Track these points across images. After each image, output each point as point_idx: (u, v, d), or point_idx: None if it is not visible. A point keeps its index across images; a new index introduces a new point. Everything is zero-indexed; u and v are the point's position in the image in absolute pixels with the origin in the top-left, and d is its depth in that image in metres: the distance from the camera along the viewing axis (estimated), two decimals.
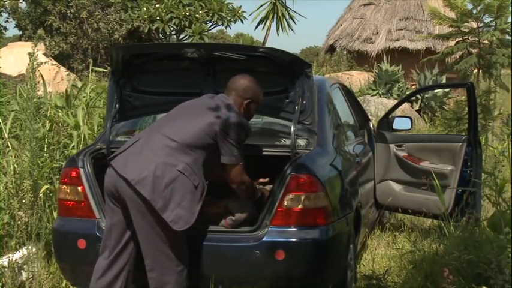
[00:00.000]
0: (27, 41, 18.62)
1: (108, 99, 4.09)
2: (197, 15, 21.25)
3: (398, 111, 8.46)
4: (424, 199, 5.24)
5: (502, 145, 8.34)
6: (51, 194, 4.98)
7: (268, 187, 3.86)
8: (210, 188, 3.57)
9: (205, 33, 21.55)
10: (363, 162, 4.99)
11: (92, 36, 20.68)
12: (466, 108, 6.32)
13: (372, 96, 15.26)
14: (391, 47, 21.73)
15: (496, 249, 3.40)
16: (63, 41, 20.46)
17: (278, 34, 23.29)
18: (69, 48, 20.50)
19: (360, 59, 22.32)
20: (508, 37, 8.98)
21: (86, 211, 3.72)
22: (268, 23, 22.79)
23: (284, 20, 22.90)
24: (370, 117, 6.63)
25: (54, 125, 5.83)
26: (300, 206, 3.50)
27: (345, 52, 23.75)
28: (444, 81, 14.85)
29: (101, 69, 9.86)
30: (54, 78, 13.00)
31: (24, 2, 21.35)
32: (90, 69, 8.86)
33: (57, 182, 4.59)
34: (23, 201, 4.69)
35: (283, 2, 22.89)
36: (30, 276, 4.21)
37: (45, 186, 4.88)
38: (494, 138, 9.15)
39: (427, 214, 5.23)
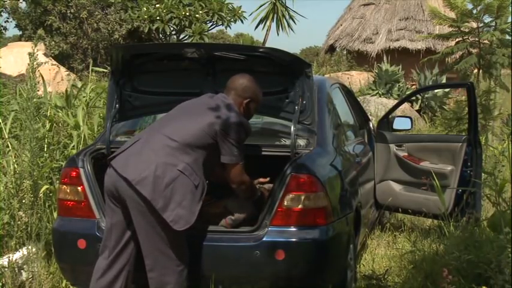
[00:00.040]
0: (27, 41, 18.63)
1: (108, 99, 4.09)
2: (197, 15, 21.25)
3: (398, 111, 8.46)
4: (424, 199, 5.24)
5: (502, 145, 8.35)
6: (51, 194, 4.98)
7: (267, 186, 3.86)
8: (210, 187, 3.57)
9: (205, 33, 21.55)
10: (363, 162, 4.99)
11: (92, 36, 20.68)
12: (466, 108, 6.32)
13: (372, 96, 15.26)
14: (391, 47, 21.74)
15: (496, 249, 3.40)
16: (63, 41, 20.46)
17: (278, 34, 23.33)
18: (69, 48, 20.50)
19: (360, 59, 22.32)
20: (508, 37, 8.98)
21: (86, 211, 3.72)
22: (268, 23, 22.80)
23: (284, 20, 22.91)
24: (370, 117, 6.63)
25: (54, 125, 5.83)
26: (300, 206, 3.50)
27: (345, 52, 23.76)
28: (444, 81, 14.86)
29: (101, 69, 9.86)
30: (54, 78, 13.00)
31: (24, 2, 21.40)
32: (90, 69, 8.86)
33: (57, 182, 4.59)
34: (23, 201, 4.68)
35: (283, 2, 22.90)
36: (30, 276, 4.21)
37: (45, 186, 4.89)
38: (494, 138, 9.15)
39: (427, 214, 5.23)
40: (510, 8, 8.48)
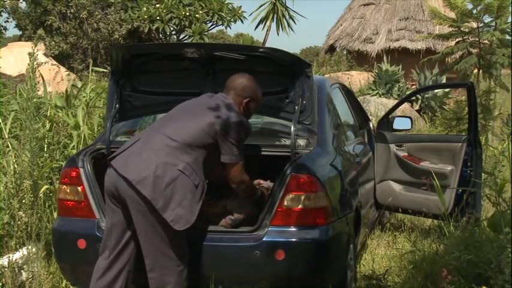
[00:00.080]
0: (27, 41, 18.62)
1: (108, 99, 4.09)
2: (197, 15, 21.25)
3: (398, 111, 8.46)
4: (424, 199, 5.24)
5: (502, 145, 8.35)
6: (51, 194, 4.98)
7: (266, 184, 3.86)
8: (210, 187, 3.57)
9: (205, 33, 21.56)
10: (363, 162, 4.99)
11: (92, 36, 20.68)
12: (466, 108, 6.32)
13: (372, 96, 15.26)
14: (391, 47, 21.74)
15: (496, 249, 3.40)
16: (63, 41, 20.46)
17: (278, 34, 23.34)
18: (69, 48, 20.51)
19: (360, 59, 22.32)
20: (508, 37, 8.98)
21: (86, 211, 3.72)
22: (268, 23, 22.80)
23: (284, 20, 22.91)
24: (370, 117, 6.63)
25: (54, 125, 5.83)
26: (300, 206, 3.50)
27: (345, 52, 23.76)
28: (444, 81, 14.86)
29: (101, 69, 9.86)
30: (54, 78, 12.99)
31: (24, 2, 21.41)
32: (90, 69, 8.86)
33: (57, 182, 4.59)
34: (23, 201, 4.68)
35: (283, 2, 22.91)
36: (30, 276, 4.21)
37: (45, 186, 4.89)
38: (494, 138, 9.15)
39: (427, 214, 5.23)
40: (510, 8, 8.49)
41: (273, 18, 22.72)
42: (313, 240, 3.49)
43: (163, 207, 3.26)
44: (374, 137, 5.67)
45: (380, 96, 15.23)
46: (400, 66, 16.50)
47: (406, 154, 5.57)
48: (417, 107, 15.01)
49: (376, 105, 13.97)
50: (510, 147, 5.21)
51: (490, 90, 8.84)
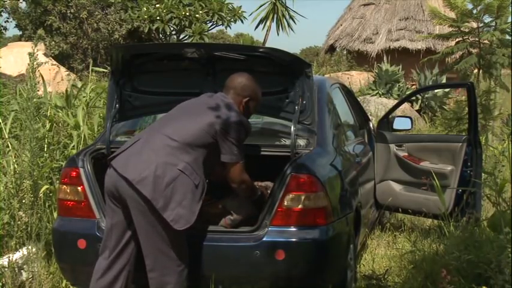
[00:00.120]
0: (27, 41, 18.62)
1: (108, 99, 4.09)
2: (197, 15, 21.25)
3: (398, 111, 8.46)
4: (424, 199, 5.24)
5: (502, 145, 8.35)
6: (51, 194, 4.98)
7: (265, 184, 3.86)
8: (210, 187, 3.57)
9: (205, 33, 21.55)
10: (363, 162, 4.99)
11: (92, 36, 20.67)
12: (466, 108, 6.32)
13: (372, 96, 15.26)
14: (391, 47, 21.74)
15: (496, 249, 3.40)
16: (63, 41, 20.45)
17: (278, 34, 23.34)
18: (69, 48, 20.50)
19: (360, 59, 22.32)
20: (508, 37, 8.98)
21: (86, 211, 3.72)
22: (268, 23, 22.81)
23: (284, 20, 22.92)
24: (370, 117, 6.63)
25: (54, 125, 5.82)
26: (300, 206, 3.50)
27: (345, 52, 23.76)
28: (444, 81, 14.86)
29: (101, 69, 9.86)
30: (54, 78, 12.99)
31: (24, 2, 21.40)
32: (90, 69, 8.86)
33: (57, 182, 4.59)
34: (23, 201, 4.68)
35: (283, 2, 22.91)
36: (30, 276, 4.21)
37: (45, 186, 4.89)
38: (494, 138, 9.15)
39: (427, 214, 5.23)
40: (510, 8, 8.49)
41: (273, 18, 22.72)
42: (313, 240, 3.49)
43: (163, 207, 3.26)
44: (374, 137, 5.67)
45: (380, 96, 15.23)
46: (400, 66, 16.50)
47: (406, 154, 5.57)
48: (417, 107, 15.01)
49: (376, 105, 13.97)
50: (510, 147, 5.21)
51: (490, 90, 8.84)
